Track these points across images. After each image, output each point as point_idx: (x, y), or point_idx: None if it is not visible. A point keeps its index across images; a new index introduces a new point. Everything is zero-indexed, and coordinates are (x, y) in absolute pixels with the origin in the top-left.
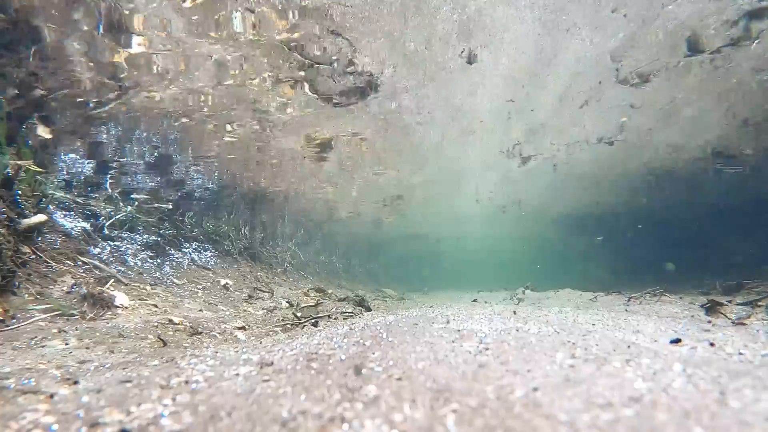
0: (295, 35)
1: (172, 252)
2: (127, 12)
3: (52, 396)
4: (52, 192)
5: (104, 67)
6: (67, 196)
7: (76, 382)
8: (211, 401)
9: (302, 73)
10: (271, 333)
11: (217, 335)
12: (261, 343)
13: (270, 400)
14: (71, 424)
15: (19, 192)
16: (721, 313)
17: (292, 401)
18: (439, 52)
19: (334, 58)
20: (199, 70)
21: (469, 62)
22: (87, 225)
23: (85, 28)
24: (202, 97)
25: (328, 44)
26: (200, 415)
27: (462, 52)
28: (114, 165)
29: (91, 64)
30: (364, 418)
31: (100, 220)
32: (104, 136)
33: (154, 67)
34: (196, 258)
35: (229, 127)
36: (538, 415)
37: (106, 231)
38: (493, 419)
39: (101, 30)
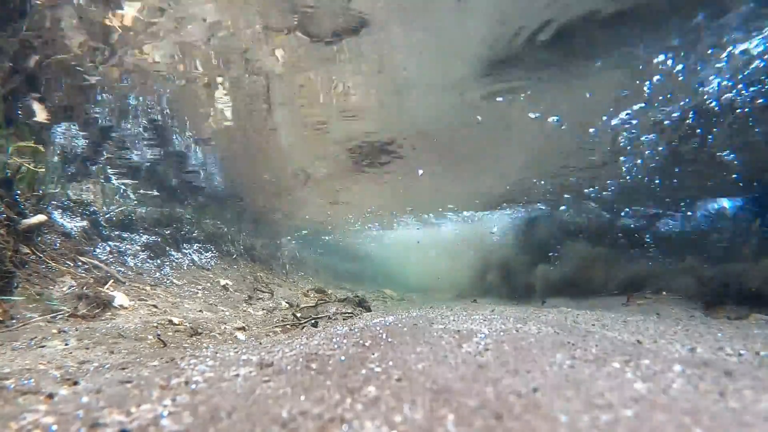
0: None
1: (172, 252)
2: None
3: (51, 396)
4: (52, 189)
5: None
6: (67, 193)
7: (75, 383)
8: (211, 402)
9: (294, 17)
10: (270, 333)
11: (217, 336)
12: (261, 343)
13: (270, 400)
14: (71, 424)
15: (19, 192)
16: (721, 314)
17: (291, 402)
18: None
19: None
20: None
21: None
22: (85, 223)
23: None
24: (194, 54)
25: None
26: (200, 416)
27: None
28: (111, 142)
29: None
30: (364, 419)
31: (98, 216)
32: (98, 110)
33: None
34: (196, 258)
35: (222, 89)
36: (537, 415)
37: (103, 224)
38: (492, 420)
39: None
